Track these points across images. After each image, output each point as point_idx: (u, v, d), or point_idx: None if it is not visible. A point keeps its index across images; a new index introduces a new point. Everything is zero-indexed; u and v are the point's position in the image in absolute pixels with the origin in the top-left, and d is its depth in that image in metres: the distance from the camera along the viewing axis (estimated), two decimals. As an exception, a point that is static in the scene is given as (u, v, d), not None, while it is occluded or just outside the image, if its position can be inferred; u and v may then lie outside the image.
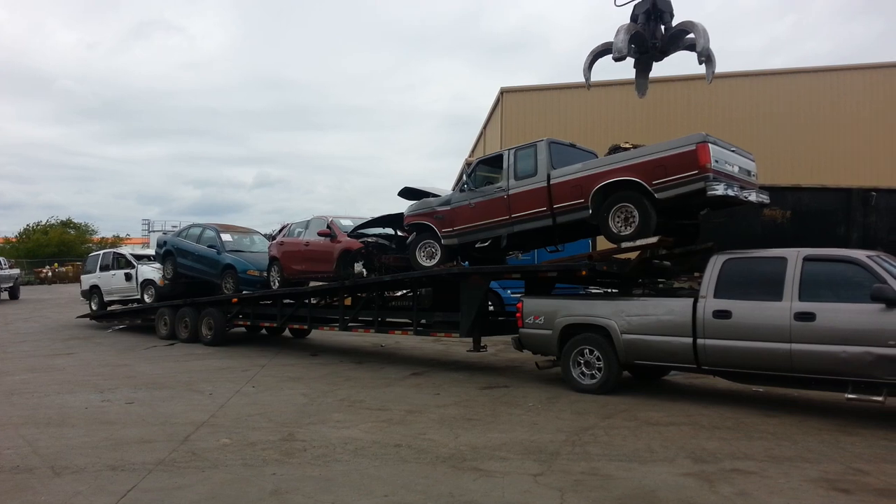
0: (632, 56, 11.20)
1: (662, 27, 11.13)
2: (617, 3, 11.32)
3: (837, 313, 6.84)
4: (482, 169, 10.71)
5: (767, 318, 7.24)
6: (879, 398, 6.62)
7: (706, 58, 10.46)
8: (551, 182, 9.41)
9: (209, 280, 15.63)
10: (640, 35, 10.96)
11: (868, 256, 7.06)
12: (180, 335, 15.28)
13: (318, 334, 16.07)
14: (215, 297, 15.08)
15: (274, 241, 14.78)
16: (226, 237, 15.87)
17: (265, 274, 14.51)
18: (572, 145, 10.23)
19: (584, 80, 11.43)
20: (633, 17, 11.12)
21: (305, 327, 14.35)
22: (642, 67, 11.40)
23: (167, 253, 16.62)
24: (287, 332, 16.28)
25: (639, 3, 11.10)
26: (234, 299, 14.44)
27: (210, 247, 15.65)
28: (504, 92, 24.45)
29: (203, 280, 15.86)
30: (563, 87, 24.50)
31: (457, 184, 10.88)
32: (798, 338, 7.00)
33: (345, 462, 5.67)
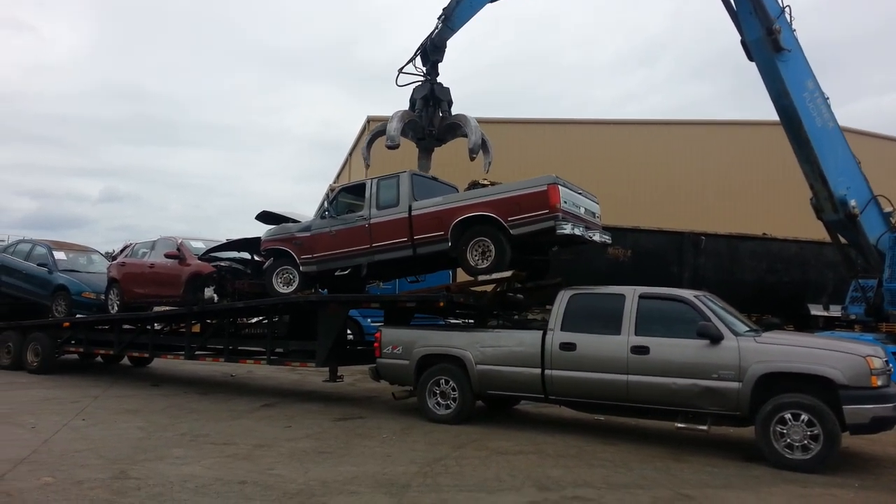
0: (411, 140, 11.67)
1: (440, 114, 11.56)
2: (398, 84, 11.73)
3: (669, 347, 7.40)
4: (345, 196, 10.66)
5: (607, 350, 7.70)
6: (704, 427, 7.22)
7: (480, 151, 11.01)
8: (413, 213, 9.53)
9: (38, 301, 14.30)
10: (416, 123, 11.39)
11: (695, 296, 7.73)
12: (1, 361, 13.91)
13: (162, 363, 15.05)
14: (44, 320, 13.78)
15: (114, 262, 13.77)
16: (59, 255, 14.60)
17: (102, 297, 13.45)
18: (434, 178, 10.45)
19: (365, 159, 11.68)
20: (412, 101, 11.49)
21: (147, 355, 13.46)
22: (424, 151, 11.71)
23: (-11, 270, 14.97)
24: (126, 360, 15.16)
25: (417, 87, 11.53)
26: (66, 323, 13.26)
27: (41, 265, 14.35)
28: (371, 120, 24.57)
29: (31, 301, 14.48)
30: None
31: (318, 210, 10.74)
32: (634, 370, 7.49)
33: (182, 501, 5.29)
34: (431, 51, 11.47)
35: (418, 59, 11.61)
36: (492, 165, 11.37)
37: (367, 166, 11.88)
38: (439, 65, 11.64)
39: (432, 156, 11.69)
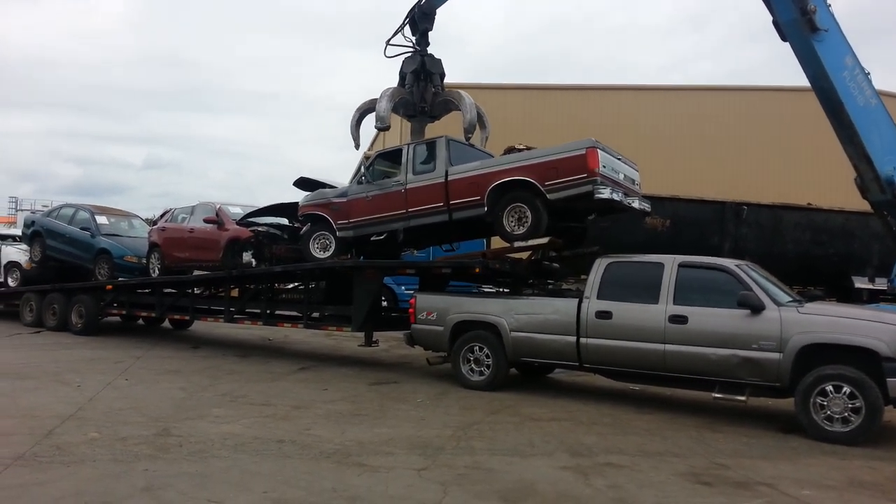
0: (402, 117, 11.20)
1: (433, 89, 11.05)
2: (386, 55, 11.16)
3: (707, 317, 7.29)
4: (381, 163, 10.63)
5: (644, 319, 7.61)
6: (742, 398, 7.12)
7: (475, 127, 10.57)
8: (449, 178, 9.48)
9: (81, 265, 14.61)
10: (407, 100, 10.85)
11: (736, 265, 7.58)
12: (47, 323, 14.26)
13: (201, 326, 15.38)
14: (88, 283, 14.12)
15: (155, 227, 14.02)
16: (101, 220, 14.87)
17: (144, 260, 13.72)
18: (471, 145, 10.36)
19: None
20: (402, 76, 11.01)
21: (187, 318, 13.73)
22: (417, 128, 11.28)
23: (35, 234, 15.40)
24: (167, 323, 15.52)
25: (407, 59, 11.02)
26: (109, 286, 13.58)
27: (83, 229, 14.63)
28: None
29: (75, 265, 14.81)
30: (468, 87, 24.78)
31: (354, 176, 10.71)
32: (671, 339, 7.41)
33: (223, 458, 5.44)
34: (420, 18, 11.01)
35: (407, 28, 11.15)
36: (487, 140, 11.07)
37: (357, 146, 11.64)
38: (429, 34, 11.19)
39: (425, 131, 11.35)
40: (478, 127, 10.88)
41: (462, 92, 10.97)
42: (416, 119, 11.25)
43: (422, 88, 11.07)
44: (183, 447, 5.71)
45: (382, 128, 10.59)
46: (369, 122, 11.22)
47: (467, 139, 10.55)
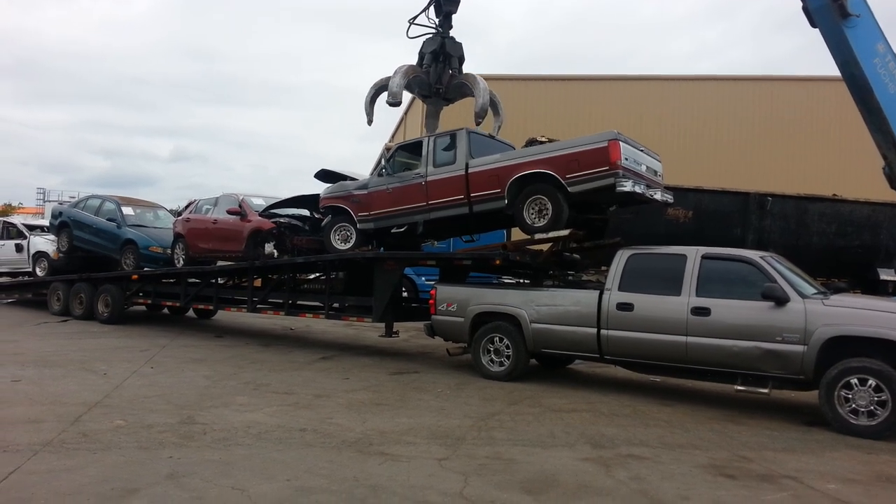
0: (417, 96, 11.13)
1: (450, 71, 11.02)
2: (408, 36, 11.17)
3: (731, 309, 7.23)
4: (401, 155, 10.65)
5: (666, 311, 7.57)
6: (765, 390, 7.06)
7: (487, 112, 10.51)
8: (469, 171, 9.47)
9: (108, 255, 14.83)
10: (422, 79, 10.80)
11: (761, 257, 7.50)
12: (74, 311, 14.50)
13: (225, 316, 15.57)
14: (114, 272, 14.34)
15: (179, 218, 14.19)
16: (127, 210, 15.09)
17: (169, 251, 13.91)
18: (491, 136, 10.33)
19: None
20: (420, 55, 11.01)
21: (211, 308, 13.93)
22: (432, 111, 11.24)
23: (62, 224, 15.64)
24: (191, 313, 15.72)
25: (428, 40, 11.01)
26: (135, 276, 13.79)
27: (110, 220, 14.86)
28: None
29: (101, 255, 15.04)
30: (491, 78, 24.73)
31: (375, 168, 10.75)
32: (694, 331, 7.36)
33: (247, 446, 5.52)
34: (445, 1, 11.09)
35: (431, 10, 11.21)
36: (500, 129, 11.00)
37: (370, 122, 11.68)
38: (453, 16, 11.23)
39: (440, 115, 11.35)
40: (491, 113, 10.84)
41: (477, 76, 10.94)
42: (431, 100, 11.26)
43: (439, 70, 11.10)
44: (207, 435, 5.80)
45: (394, 103, 10.64)
46: (387, 105, 11.32)
47: (477, 123, 10.57)
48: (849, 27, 10.22)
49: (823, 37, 10.65)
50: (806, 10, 10.59)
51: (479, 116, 10.60)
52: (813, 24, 10.63)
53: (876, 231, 14.20)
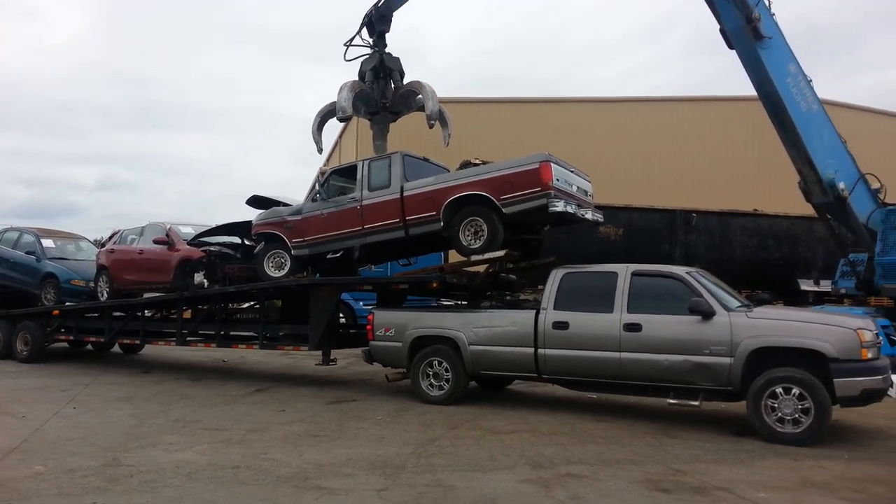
0: (363, 116, 11.32)
1: (393, 85, 11.23)
2: (346, 59, 11.39)
3: (661, 324, 7.40)
4: (336, 179, 10.56)
5: (600, 328, 7.69)
6: (696, 403, 7.24)
7: (437, 121, 10.72)
8: (405, 194, 9.46)
9: (27, 290, 14.14)
10: (367, 94, 10.98)
11: (687, 272, 7.72)
12: (-10, 351, 13.67)
13: (153, 350, 14.98)
14: (33, 308, 13.66)
15: (103, 249, 13.65)
16: (47, 243, 14.45)
17: (92, 284, 13.35)
18: (426, 159, 10.36)
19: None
20: (361, 75, 11.18)
21: (137, 342, 13.41)
22: (379, 130, 11.34)
23: (-24, 259, 14.81)
24: (116, 348, 15.08)
25: (366, 59, 11.23)
26: (56, 311, 13.16)
27: (28, 253, 14.20)
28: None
29: (19, 290, 14.32)
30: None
31: (309, 193, 10.62)
32: (627, 347, 7.50)
33: (175, 487, 5.27)
34: (377, 20, 11.25)
35: (365, 31, 11.37)
36: (450, 139, 11.12)
37: (320, 150, 11.68)
38: (387, 35, 11.41)
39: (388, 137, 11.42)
40: (439, 125, 10.92)
41: (423, 81, 11.02)
42: (377, 117, 11.26)
43: (382, 86, 11.15)
44: (133, 477, 5.52)
45: (344, 118, 10.61)
46: (330, 129, 11.26)
47: (430, 126, 10.63)
48: (762, 48, 10.82)
49: (740, 58, 11.24)
50: (723, 32, 11.17)
51: (432, 118, 10.64)
52: (730, 46, 11.21)
53: (795, 243, 14.94)
